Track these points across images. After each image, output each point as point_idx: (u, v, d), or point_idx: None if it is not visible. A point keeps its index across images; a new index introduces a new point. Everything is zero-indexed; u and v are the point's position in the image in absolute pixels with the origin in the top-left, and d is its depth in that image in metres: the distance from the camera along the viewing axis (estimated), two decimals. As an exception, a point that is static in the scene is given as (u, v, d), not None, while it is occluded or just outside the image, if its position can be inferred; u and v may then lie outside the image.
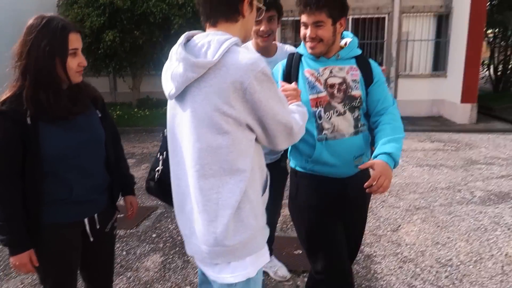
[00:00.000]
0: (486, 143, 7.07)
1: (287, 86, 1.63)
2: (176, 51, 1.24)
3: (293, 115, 1.36)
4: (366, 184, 1.60)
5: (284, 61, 1.92)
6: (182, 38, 1.27)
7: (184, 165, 1.30)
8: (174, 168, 1.37)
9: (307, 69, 1.82)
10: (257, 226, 1.31)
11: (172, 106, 1.34)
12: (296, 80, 1.82)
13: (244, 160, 1.25)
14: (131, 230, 3.68)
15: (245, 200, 1.26)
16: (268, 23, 2.15)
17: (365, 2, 9.34)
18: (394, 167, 1.65)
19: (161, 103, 10.31)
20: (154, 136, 7.99)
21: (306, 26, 1.76)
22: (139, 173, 5.48)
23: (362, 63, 1.86)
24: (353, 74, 1.81)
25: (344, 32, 1.90)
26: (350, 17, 9.41)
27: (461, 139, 7.43)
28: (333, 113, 1.78)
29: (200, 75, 1.19)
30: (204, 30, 1.33)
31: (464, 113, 8.77)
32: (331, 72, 1.80)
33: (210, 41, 1.21)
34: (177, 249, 3.34)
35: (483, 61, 11.43)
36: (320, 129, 1.78)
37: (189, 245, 1.39)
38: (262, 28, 2.14)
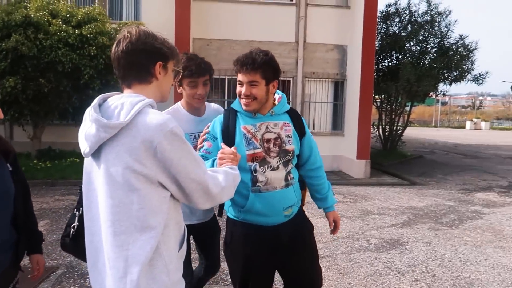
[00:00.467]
0: (379, 195, 7.90)
1: (226, 150, 1.70)
2: (89, 113, 1.29)
3: (212, 175, 1.40)
4: (334, 232, 2.25)
5: (221, 117, 2.04)
6: (96, 100, 1.33)
7: (98, 221, 1.32)
8: (88, 224, 1.38)
9: (243, 125, 1.96)
10: (169, 282, 1.32)
11: (88, 163, 1.37)
12: (234, 135, 1.96)
13: (156, 217, 1.27)
14: (26, 295, 3.32)
15: (157, 257, 1.28)
16: (204, 86, 2.29)
17: (273, 65, 10.19)
18: None
19: (65, 154, 9.67)
20: (55, 190, 7.41)
21: (241, 84, 1.92)
22: (37, 230, 5.01)
23: (294, 116, 2.07)
24: (286, 129, 2.00)
25: None
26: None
27: (358, 191, 8.20)
28: (267, 167, 1.94)
29: (112, 135, 1.24)
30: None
31: (360, 168, 9.77)
32: (267, 127, 1.97)
33: (123, 103, 1.28)
34: (80, 312, 3.09)
35: (373, 123, 12.99)
36: (254, 181, 1.93)
37: None
38: (199, 92, 2.26)
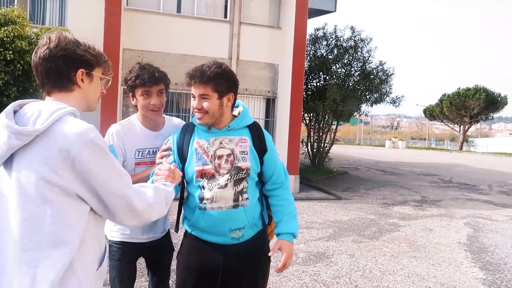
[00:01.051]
0: (307, 209, 8.17)
1: (162, 166, 1.64)
2: (1, 120, 1.20)
3: (138, 190, 1.33)
4: (277, 269, 1.94)
5: (179, 131, 1.97)
6: (10, 106, 1.24)
7: (3, 237, 1.21)
8: None
9: (197, 140, 1.88)
10: None
11: None
12: (188, 150, 1.88)
13: (71, 231, 1.19)
14: None
15: (70, 275, 1.19)
16: (158, 96, 2.13)
17: (206, 80, 10.20)
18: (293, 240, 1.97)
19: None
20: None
21: (194, 97, 1.83)
22: None
23: (254, 131, 1.94)
24: (242, 145, 1.88)
25: (236, 101, 1.97)
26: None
27: (287, 206, 8.39)
28: (215, 185, 1.83)
29: (25, 143, 1.16)
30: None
31: (290, 183, 10.03)
32: (220, 143, 1.86)
33: (41, 110, 1.21)
34: None
35: (302, 139, 13.50)
36: (201, 198, 1.85)
37: None
38: (153, 102, 2.11)
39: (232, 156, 1.86)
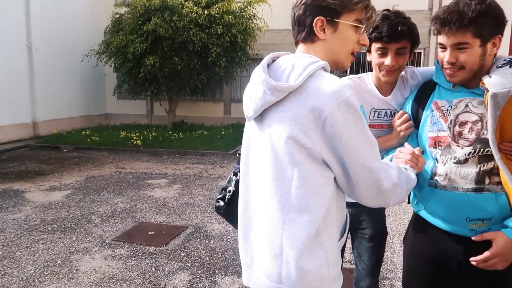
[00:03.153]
0: None
1: (404, 148, 1.39)
2: (257, 73, 1.16)
3: (384, 167, 1.14)
4: (473, 258, 1.39)
5: (415, 92, 1.64)
6: (265, 59, 1.18)
7: (254, 189, 1.23)
8: (243, 191, 1.28)
9: (435, 100, 1.51)
10: (328, 277, 1.15)
11: (249, 128, 1.26)
12: (422, 111, 1.55)
13: (316, 198, 1.11)
14: (160, 248, 3.75)
15: (318, 246, 1.13)
16: (396, 56, 1.70)
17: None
18: None
19: (195, 127, 10.59)
20: (186, 158, 8.17)
21: (444, 48, 1.42)
22: (170, 193, 5.60)
23: None
24: None
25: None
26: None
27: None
28: (450, 158, 1.44)
29: (279, 99, 1.10)
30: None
31: None
32: (466, 106, 1.43)
33: (295, 64, 1.11)
34: (204, 269, 3.36)
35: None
36: (434, 173, 1.48)
37: (248, 276, 1.27)
38: (386, 62, 1.70)
39: (479, 124, 1.40)
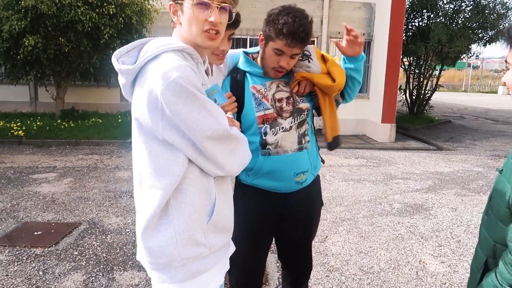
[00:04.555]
0: (404, 160, 7.69)
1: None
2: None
3: (232, 132, 1.23)
4: (348, 27, 1.72)
5: (228, 78, 1.84)
6: (136, 42, 1.25)
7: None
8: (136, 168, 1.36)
9: (253, 85, 1.78)
10: (179, 255, 1.21)
11: None
12: (243, 97, 1.77)
13: (162, 177, 1.15)
14: (49, 248, 3.39)
15: (166, 223, 1.19)
16: (228, 42, 1.83)
17: (296, 25, 9.80)
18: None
19: (88, 115, 9.79)
20: (78, 149, 7.52)
21: (280, 53, 1.67)
22: (60, 187, 5.11)
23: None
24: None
25: None
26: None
27: (381, 156, 8.00)
28: (279, 129, 1.76)
29: (129, 81, 1.18)
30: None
31: (384, 132, 9.49)
32: (277, 86, 1.78)
33: (150, 46, 1.19)
34: (101, 266, 3.14)
35: (400, 86, 12.51)
36: (264, 144, 1.76)
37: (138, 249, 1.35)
38: (222, 47, 1.77)
39: (292, 98, 1.79)
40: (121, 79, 1.20)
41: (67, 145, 7.81)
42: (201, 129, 1.12)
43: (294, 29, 1.60)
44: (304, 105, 1.81)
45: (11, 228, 3.79)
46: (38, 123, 8.76)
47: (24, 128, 8.28)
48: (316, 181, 1.96)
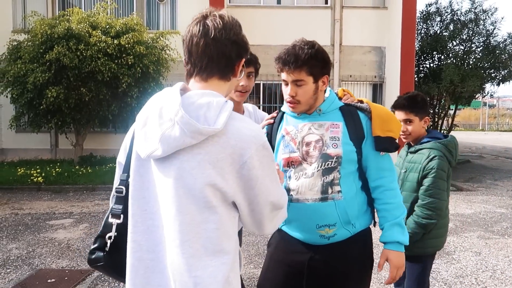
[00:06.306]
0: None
1: None
2: (172, 110, 1.03)
3: (285, 195, 1.23)
4: (386, 282, 1.73)
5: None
6: (177, 93, 1.07)
7: (156, 236, 1.11)
8: (137, 238, 1.13)
9: (285, 127, 1.76)
10: None
11: (141, 165, 1.13)
12: (275, 137, 1.78)
13: (229, 240, 1.10)
14: (62, 297, 3.36)
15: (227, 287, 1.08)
16: (248, 78, 2.03)
17: (308, 69, 10.09)
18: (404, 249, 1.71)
19: (105, 160, 9.98)
20: (95, 194, 7.61)
21: (286, 84, 1.66)
22: (76, 233, 5.13)
23: (348, 115, 1.71)
24: (333, 130, 1.68)
25: None
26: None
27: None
28: (302, 175, 1.66)
29: (198, 141, 1.03)
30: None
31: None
32: (309, 129, 1.70)
33: (209, 102, 1.05)
34: (113, 316, 3.08)
35: (415, 126, 12.44)
36: (287, 189, 1.68)
37: None
38: (242, 83, 1.99)
39: (320, 142, 1.66)
40: (188, 139, 1.02)
41: (84, 190, 7.92)
42: (268, 193, 1.11)
43: (283, 52, 1.62)
44: (335, 151, 1.65)
45: (25, 275, 3.78)
46: (57, 169, 8.96)
47: (43, 174, 8.47)
48: (359, 239, 1.71)
